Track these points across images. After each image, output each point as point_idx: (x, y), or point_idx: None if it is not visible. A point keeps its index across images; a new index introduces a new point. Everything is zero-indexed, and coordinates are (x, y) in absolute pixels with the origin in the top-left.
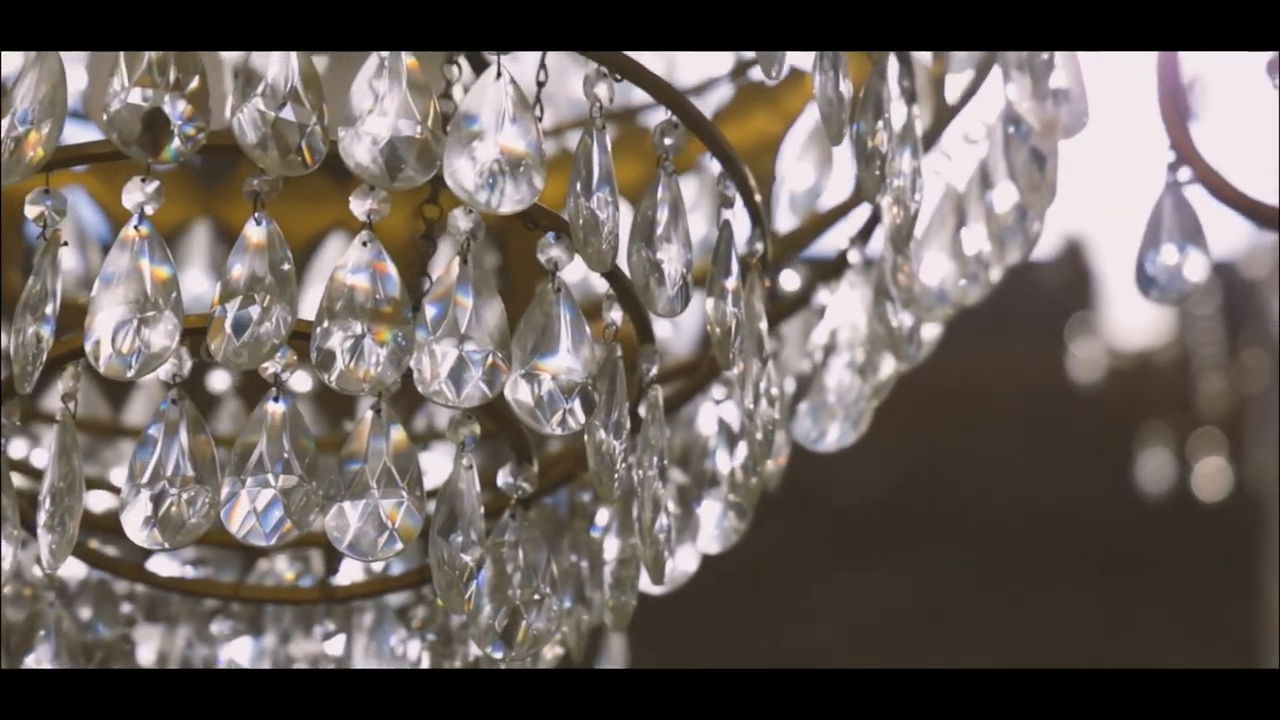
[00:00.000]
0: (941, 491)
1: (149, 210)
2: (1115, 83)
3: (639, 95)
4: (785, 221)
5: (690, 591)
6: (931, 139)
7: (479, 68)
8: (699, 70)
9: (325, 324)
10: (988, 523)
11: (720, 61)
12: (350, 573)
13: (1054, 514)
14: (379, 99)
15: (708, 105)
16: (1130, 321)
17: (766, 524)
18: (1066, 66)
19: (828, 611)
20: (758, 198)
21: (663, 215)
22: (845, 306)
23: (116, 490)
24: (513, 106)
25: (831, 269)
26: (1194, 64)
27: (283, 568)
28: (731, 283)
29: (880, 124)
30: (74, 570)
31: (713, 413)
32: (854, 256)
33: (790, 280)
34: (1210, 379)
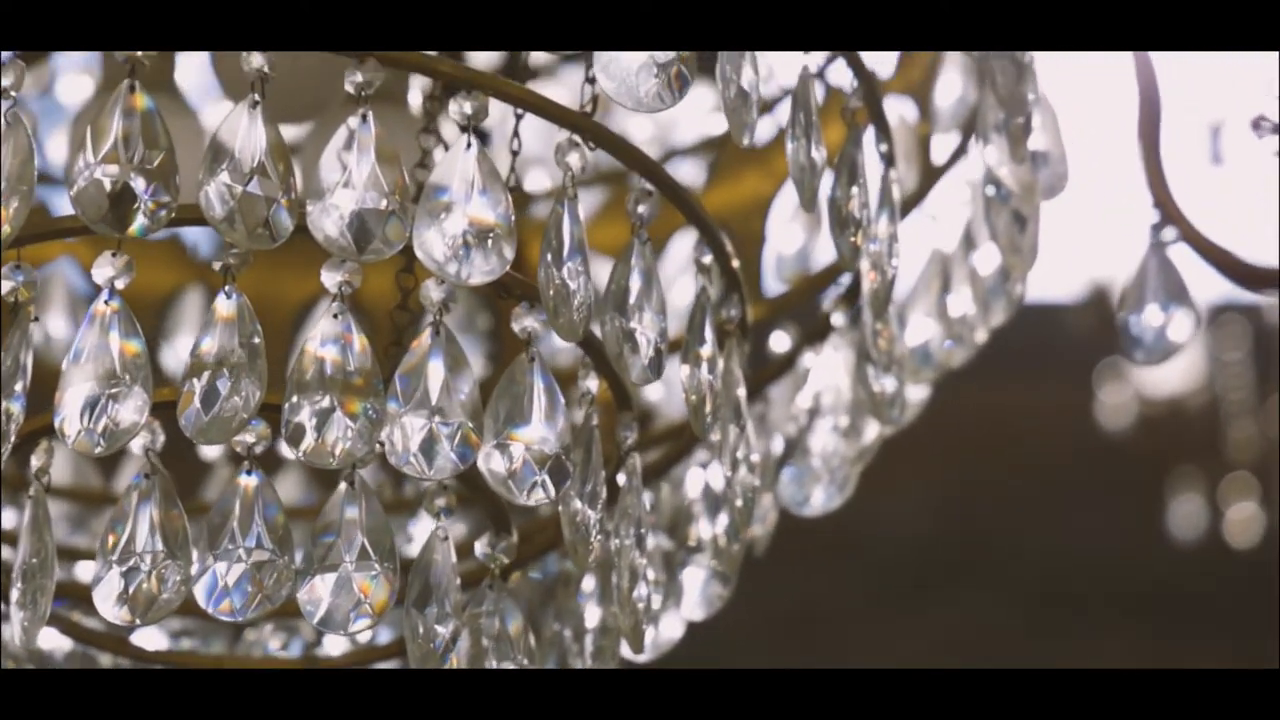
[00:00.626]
0: (976, 537)
1: (120, 284)
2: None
3: None
4: (775, 283)
5: (731, 633)
6: (917, 200)
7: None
8: (693, 130)
9: (295, 397)
10: (1021, 568)
11: (715, 123)
12: (337, 641)
13: (1088, 560)
14: (347, 171)
15: (699, 166)
16: (1159, 367)
17: (806, 569)
18: (1045, 128)
19: (866, 655)
20: (735, 264)
21: (636, 283)
22: (829, 369)
23: None
24: (482, 177)
25: (816, 331)
26: (1217, 111)
27: (270, 637)
28: (707, 350)
29: (855, 190)
30: (59, 642)
31: (698, 477)
32: (837, 319)
33: (780, 342)
34: (1240, 424)
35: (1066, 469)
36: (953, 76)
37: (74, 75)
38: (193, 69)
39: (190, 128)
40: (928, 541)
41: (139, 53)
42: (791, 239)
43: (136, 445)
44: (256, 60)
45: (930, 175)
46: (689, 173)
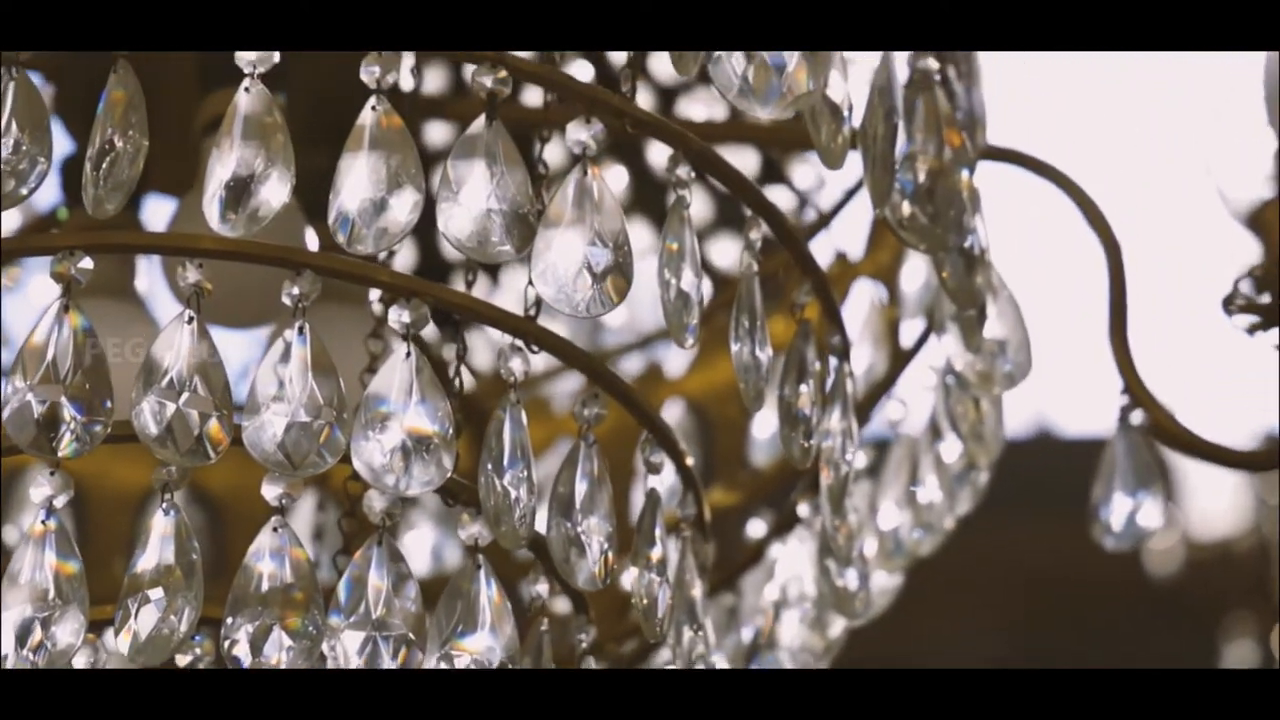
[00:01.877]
0: None
1: (59, 504)
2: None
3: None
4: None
5: None
6: (888, 384)
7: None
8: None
9: (231, 617)
10: None
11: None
12: None
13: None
14: (282, 385)
15: (673, 353)
16: (1207, 509)
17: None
18: (1004, 317)
19: None
20: (689, 462)
21: (582, 488)
22: (795, 561)
23: None
24: (421, 386)
25: (786, 520)
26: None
27: None
28: (656, 553)
29: (804, 388)
30: None
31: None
32: (803, 510)
33: (758, 530)
34: None
35: (1119, 612)
36: (917, 263)
37: (46, 276)
38: (153, 276)
39: (149, 334)
40: None
41: (75, 268)
42: (768, 423)
43: (80, 662)
44: (191, 275)
45: (899, 359)
46: (673, 358)
